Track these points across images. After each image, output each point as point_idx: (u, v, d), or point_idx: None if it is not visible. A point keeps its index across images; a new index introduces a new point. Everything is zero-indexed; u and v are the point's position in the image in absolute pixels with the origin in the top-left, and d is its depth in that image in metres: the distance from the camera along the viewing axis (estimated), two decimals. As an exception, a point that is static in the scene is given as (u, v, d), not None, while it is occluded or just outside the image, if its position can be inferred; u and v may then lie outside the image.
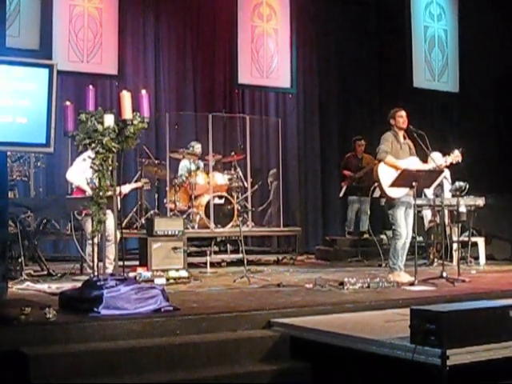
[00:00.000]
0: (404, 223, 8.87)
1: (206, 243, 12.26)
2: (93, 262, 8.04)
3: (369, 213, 13.35)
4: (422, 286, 8.21)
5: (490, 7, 15.77)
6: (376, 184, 9.17)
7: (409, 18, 16.41)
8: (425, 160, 9.30)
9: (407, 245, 8.97)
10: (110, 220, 7.52)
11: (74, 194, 9.71)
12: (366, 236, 13.09)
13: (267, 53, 15.49)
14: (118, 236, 7.69)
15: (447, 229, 11.13)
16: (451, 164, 9.53)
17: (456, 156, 9.43)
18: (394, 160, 8.87)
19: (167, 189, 12.25)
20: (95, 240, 7.11)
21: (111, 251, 8.20)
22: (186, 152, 12.50)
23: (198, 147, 12.77)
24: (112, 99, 13.41)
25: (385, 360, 5.19)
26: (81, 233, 9.67)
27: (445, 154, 9.51)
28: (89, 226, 7.76)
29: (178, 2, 15.11)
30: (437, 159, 9.25)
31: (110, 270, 7.99)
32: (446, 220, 11.03)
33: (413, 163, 8.95)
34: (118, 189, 8.69)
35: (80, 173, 9.11)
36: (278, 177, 13.78)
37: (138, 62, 14.56)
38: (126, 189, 10.23)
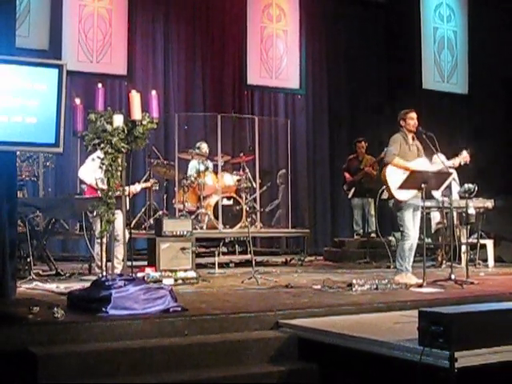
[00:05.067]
0: (412, 225, 8.84)
1: (214, 244, 12.27)
2: (101, 261, 8.07)
3: (373, 214, 13.33)
4: (431, 288, 8.20)
5: (500, 8, 15.76)
6: (384, 187, 9.15)
7: (418, 19, 16.43)
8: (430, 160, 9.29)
9: (414, 246, 8.95)
10: (119, 220, 7.53)
11: (86, 193, 9.70)
12: (373, 235, 13.08)
13: (276, 54, 15.52)
14: (127, 236, 7.69)
15: (456, 231, 11.11)
16: (459, 165, 9.50)
17: (464, 157, 9.41)
18: (402, 161, 8.85)
19: (176, 189, 12.26)
20: (104, 240, 7.12)
21: (120, 251, 8.20)
22: (195, 152, 12.51)
23: (204, 147, 12.77)
24: (121, 99, 13.43)
25: (393, 362, 5.19)
26: (90, 232, 9.68)
27: (453, 155, 9.49)
28: (99, 226, 7.76)
29: (188, 3, 15.14)
30: (443, 161, 9.22)
31: (118, 269, 8.01)
32: (455, 222, 11.01)
33: (421, 164, 8.92)
34: (128, 189, 8.79)
35: (91, 172, 9.10)
36: (286, 178, 13.78)
37: (148, 63, 14.59)
38: (135, 188, 10.22)
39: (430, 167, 8.96)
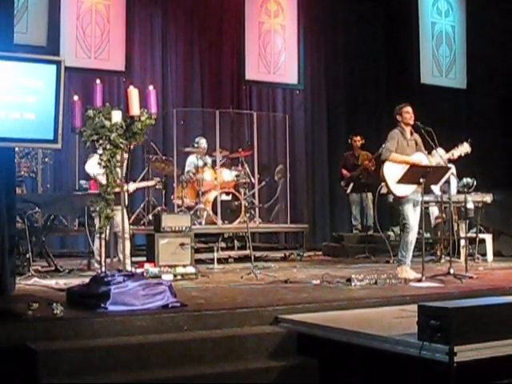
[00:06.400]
0: (413, 217, 8.87)
1: (213, 239, 12.27)
2: (100, 257, 8.08)
3: (371, 208, 13.33)
4: (430, 283, 8.20)
5: (498, 3, 15.74)
6: (383, 184, 9.15)
7: (416, 14, 16.39)
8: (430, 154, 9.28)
9: (414, 241, 8.96)
10: (125, 216, 7.53)
11: (91, 188, 9.66)
12: (370, 232, 13.07)
13: (274, 49, 15.47)
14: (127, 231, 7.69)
15: (454, 225, 11.10)
16: (459, 157, 9.46)
17: (465, 147, 9.35)
18: (400, 156, 8.85)
19: (174, 185, 12.26)
20: (103, 236, 7.12)
21: (128, 247, 8.20)
22: (193, 146, 12.52)
23: (202, 142, 12.77)
24: (119, 95, 13.42)
25: (392, 356, 5.18)
26: (90, 228, 9.68)
27: (452, 147, 9.45)
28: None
29: (186, -2, 15.13)
30: (442, 155, 9.21)
31: (128, 265, 8.02)
32: (453, 216, 11.01)
33: (419, 159, 8.92)
34: (129, 186, 8.82)
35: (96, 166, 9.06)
36: (285, 173, 13.79)
37: (146, 59, 14.57)
38: (134, 186, 10.21)
39: (427, 161, 8.95)
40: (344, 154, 14.30)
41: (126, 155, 9.26)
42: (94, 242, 9.27)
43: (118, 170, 7.16)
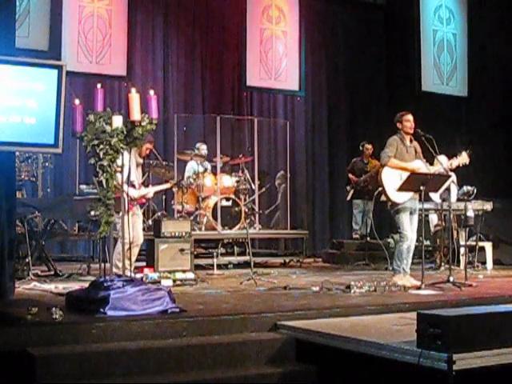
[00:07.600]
0: (409, 226, 8.85)
1: (213, 245, 12.26)
2: (100, 262, 8.07)
3: (371, 216, 13.32)
4: (429, 290, 8.20)
5: (499, 11, 15.77)
6: (380, 189, 9.15)
7: (418, 21, 16.41)
8: (432, 163, 9.28)
9: (412, 248, 8.93)
10: (140, 223, 7.51)
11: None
12: (367, 239, 13.05)
13: (276, 55, 15.50)
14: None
15: (454, 233, 11.10)
16: (458, 167, 9.47)
17: (463, 158, 9.36)
18: (399, 162, 8.84)
19: (175, 190, 12.25)
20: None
21: (135, 253, 8.18)
22: (194, 154, 12.52)
23: (203, 148, 12.77)
24: (120, 100, 13.43)
25: (391, 364, 5.18)
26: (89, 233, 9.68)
27: (452, 156, 9.46)
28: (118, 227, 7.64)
29: (188, 4, 15.12)
30: (443, 163, 9.21)
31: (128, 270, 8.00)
32: (453, 224, 11.00)
33: (417, 166, 8.91)
34: (145, 190, 8.80)
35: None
36: (285, 179, 13.78)
37: (147, 64, 14.58)
38: (153, 190, 10.19)
39: (425, 168, 8.94)
40: (353, 160, 14.30)
41: (140, 160, 9.31)
42: (116, 247, 9.17)
43: (119, 175, 7.16)
